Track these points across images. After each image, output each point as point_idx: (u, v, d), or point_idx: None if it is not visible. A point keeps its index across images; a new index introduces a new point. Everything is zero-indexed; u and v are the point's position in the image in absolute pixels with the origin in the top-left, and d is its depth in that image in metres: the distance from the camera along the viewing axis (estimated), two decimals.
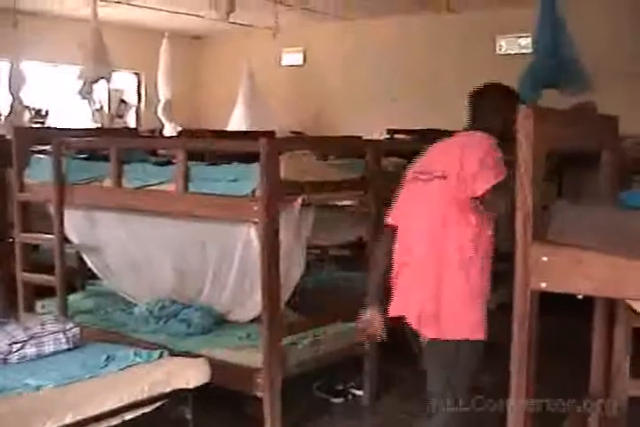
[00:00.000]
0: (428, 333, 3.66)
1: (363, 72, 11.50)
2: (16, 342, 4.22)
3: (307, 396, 5.54)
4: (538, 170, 2.60)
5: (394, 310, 3.77)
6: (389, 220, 3.93)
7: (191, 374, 4.18)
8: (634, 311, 3.07)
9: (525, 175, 2.58)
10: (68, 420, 3.58)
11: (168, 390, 4.05)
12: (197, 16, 10.40)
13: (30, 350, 4.25)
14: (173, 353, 4.55)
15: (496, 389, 3.24)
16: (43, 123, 10.45)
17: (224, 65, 12.74)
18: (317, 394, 5.62)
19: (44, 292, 5.98)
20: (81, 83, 9.38)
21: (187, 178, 4.91)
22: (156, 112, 11.73)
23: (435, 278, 3.63)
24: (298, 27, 11.51)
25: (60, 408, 3.61)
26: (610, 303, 3.47)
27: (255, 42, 12.09)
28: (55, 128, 8.17)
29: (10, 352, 4.20)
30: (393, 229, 3.88)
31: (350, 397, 5.60)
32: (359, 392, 5.55)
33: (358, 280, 6.56)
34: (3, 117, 9.78)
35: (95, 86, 9.57)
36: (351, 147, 6.20)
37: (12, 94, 9.43)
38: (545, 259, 2.56)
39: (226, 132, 10.02)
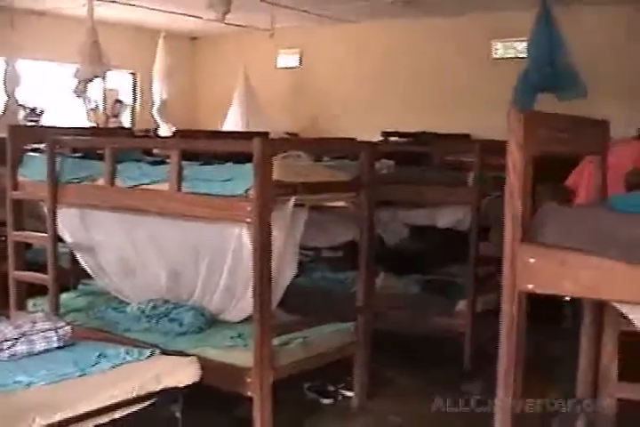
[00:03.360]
0: None
1: (358, 75, 11.52)
2: (6, 340, 4.22)
3: (297, 396, 5.56)
4: (528, 173, 2.62)
5: None
6: None
7: (182, 374, 4.19)
8: (621, 315, 3.09)
9: (515, 178, 2.60)
10: (59, 417, 3.58)
11: (158, 388, 4.05)
12: (194, 16, 10.41)
13: (21, 348, 4.25)
14: (165, 352, 4.54)
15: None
16: (37, 121, 10.41)
17: (220, 66, 12.73)
18: (308, 395, 5.63)
19: (37, 291, 5.98)
20: (76, 82, 9.40)
21: (180, 177, 4.92)
22: (151, 112, 11.72)
23: None
24: (294, 29, 11.50)
25: (51, 406, 3.62)
26: (598, 306, 3.49)
27: (252, 43, 12.11)
28: (49, 127, 8.17)
29: (0, 350, 4.20)
30: None
31: (340, 397, 5.61)
32: (349, 393, 5.57)
33: (350, 281, 6.60)
34: None
35: (90, 85, 9.58)
36: (345, 148, 6.20)
37: (6, 93, 9.44)
38: (532, 260, 2.58)
39: (220, 132, 10.02)
